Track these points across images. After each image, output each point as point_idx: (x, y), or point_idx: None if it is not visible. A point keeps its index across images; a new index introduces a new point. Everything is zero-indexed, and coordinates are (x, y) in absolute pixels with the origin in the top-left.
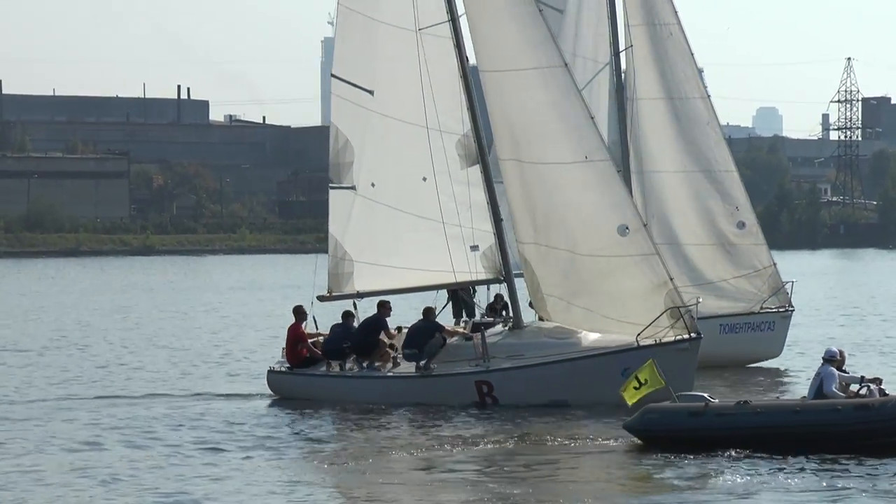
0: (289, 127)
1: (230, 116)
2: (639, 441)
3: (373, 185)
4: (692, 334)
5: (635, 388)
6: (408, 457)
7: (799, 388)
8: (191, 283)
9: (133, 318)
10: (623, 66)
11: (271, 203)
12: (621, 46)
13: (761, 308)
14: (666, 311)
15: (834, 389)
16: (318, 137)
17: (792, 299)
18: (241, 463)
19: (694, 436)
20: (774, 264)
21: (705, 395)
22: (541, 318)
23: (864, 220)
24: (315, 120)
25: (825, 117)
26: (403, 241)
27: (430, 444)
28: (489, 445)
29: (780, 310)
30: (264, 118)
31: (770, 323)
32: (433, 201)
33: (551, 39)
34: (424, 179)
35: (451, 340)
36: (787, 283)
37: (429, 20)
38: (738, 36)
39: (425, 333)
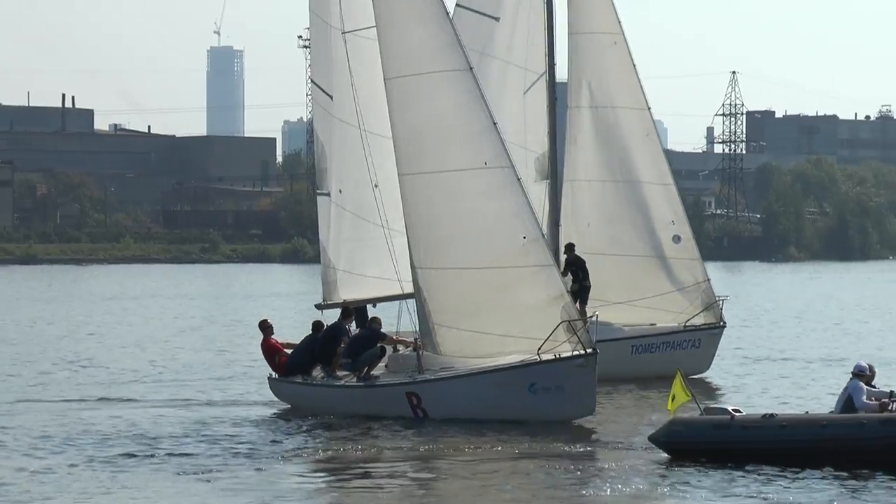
0: (174, 136)
1: (115, 125)
2: (664, 453)
3: (340, 191)
4: (588, 350)
5: (672, 401)
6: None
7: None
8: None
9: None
10: (564, 75)
11: (156, 213)
12: (557, 55)
13: (686, 325)
14: (561, 323)
15: (865, 401)
16: (203, 147)
17: (724, 315)
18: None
19: (719, 448)
20: (709, 279)
21: (729, 407)
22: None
23: (747, 233)
24: (201, 129)
25: (710, 130)
26: (368, 249)
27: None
28: (509, 454)
29: (710, 326)
30: (149, 127)
31: (696, 340)
32: (384, 209)
33: (458, 43)
34: (376, 186)
35: (405, 351)
36: (720, 298)
37: (358, 23)
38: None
39: (364, 343)
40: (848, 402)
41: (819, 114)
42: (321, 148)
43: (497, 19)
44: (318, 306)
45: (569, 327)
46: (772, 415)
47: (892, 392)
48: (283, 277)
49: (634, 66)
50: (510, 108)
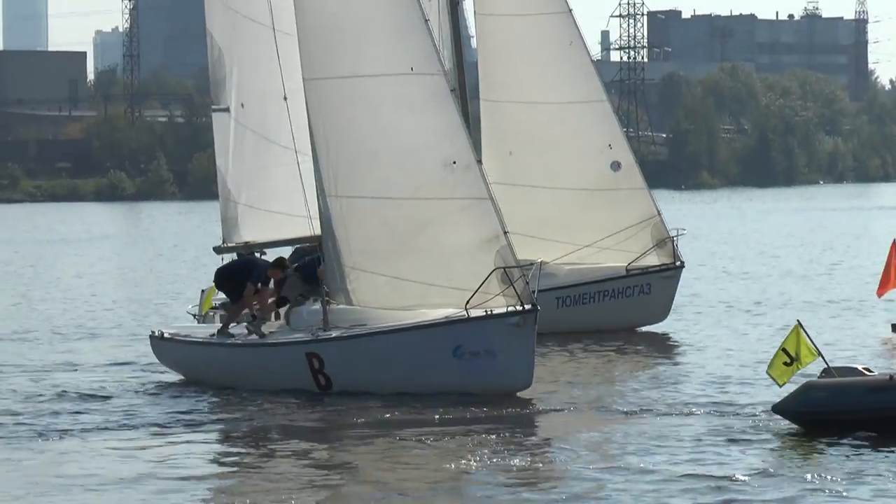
0: None
1: None
2: (794, 424)
3: (242, 105)
4: (526, 305)
5: (786, 364)
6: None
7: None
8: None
9: None
10: None
11: None
12: None
13: (629, 268)
14: (494, 271)
15: None
16: None
17: (680, 253)
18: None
19: (879, 416)
20: (659, 213)
21: (859, 366)
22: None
23: (651, 156)
24: None
25: (605, 35)
26: (273, 177)
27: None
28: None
29: (662, 267)
30: None
31: (644, 285)
32: (294, 126)
33: None
34: (285, 99)
35: (309, 303)
36: (673, 232)
37: None
38: None
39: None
40: None
41: (734, 13)
42: (218, 53)
43: None
44: (217, 249)
45: (504, 277)
46: None
47: None
48: (100, 219)
49: None
50: None
